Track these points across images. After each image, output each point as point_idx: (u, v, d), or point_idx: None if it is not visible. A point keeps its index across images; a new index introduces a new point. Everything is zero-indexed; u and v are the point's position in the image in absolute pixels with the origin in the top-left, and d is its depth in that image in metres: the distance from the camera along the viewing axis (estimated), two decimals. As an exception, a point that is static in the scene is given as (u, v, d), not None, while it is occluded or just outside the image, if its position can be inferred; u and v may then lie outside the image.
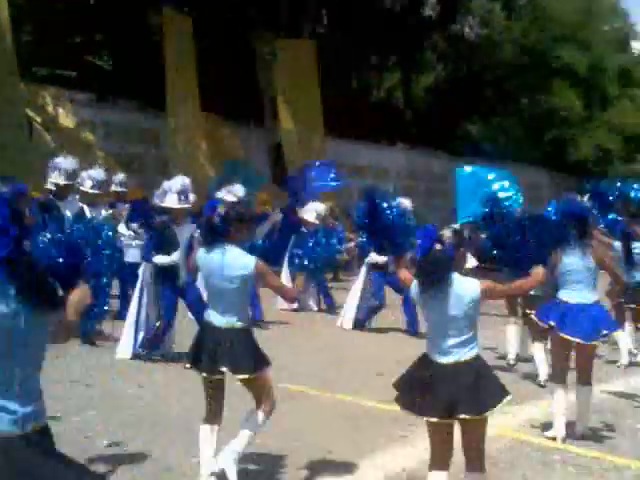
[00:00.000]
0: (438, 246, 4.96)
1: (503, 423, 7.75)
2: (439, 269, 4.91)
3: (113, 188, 13.10)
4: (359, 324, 12.82)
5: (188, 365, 5.60)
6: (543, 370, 9.34)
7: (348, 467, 6.26)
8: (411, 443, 6.86)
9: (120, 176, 13.61)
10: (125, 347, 9.50)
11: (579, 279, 7.26)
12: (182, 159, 20.47)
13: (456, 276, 4.97)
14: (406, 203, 11.40)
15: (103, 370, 8.90)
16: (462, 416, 4.84)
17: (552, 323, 7.21)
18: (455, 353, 4.90)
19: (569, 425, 7.33)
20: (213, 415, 5.61)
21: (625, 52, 39.94)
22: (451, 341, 4.91)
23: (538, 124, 33.10)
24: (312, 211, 14.24)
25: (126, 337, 9.53)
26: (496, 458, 6.67)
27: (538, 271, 5.52)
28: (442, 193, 28.65)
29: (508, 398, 5.01)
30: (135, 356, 9.45)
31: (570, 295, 7.28)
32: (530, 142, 33.33)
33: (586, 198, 10.10)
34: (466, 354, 4.92)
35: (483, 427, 4.99)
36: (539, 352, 9.46)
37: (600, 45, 35.29)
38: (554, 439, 7.24)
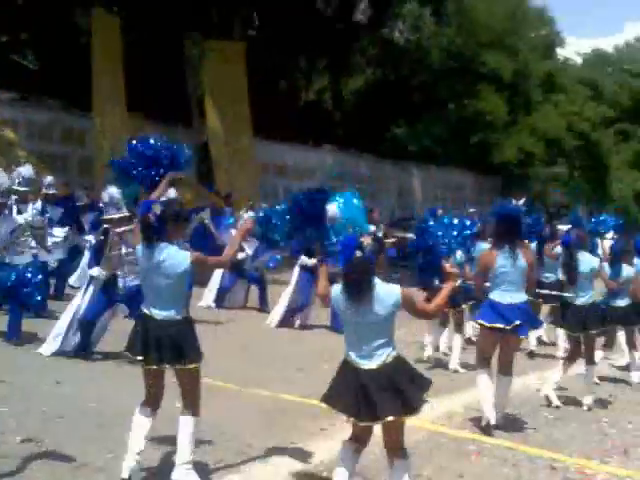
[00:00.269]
0: (358, 253, 5.05)
1: (421, 415, 7.87)
2: (361, 276, 5.00)
3: (43, 190, 13.27)
4: (285, 322, 12.96)
5: (140, 358, 5.58)
6: (456, 358, 10.10)
7: (267, 460, 6.29)
8: (331, 437, 6.92)
9: (49, 178, 13.82)
10: (50, 345, 9.38)
11: (511, 280, 7.42)
12: (108, 160, 20.20)
13: (377, 281, 5.05)
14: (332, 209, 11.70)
15: (19, 366, 8.76)
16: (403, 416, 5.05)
17: (517, 322, 7.34)
18: (378, 356, 5.00)
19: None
20: (152, 402, 5.67)
21: (550, 58, 40.70)
22: (374, 344, 5.00)
23: (464, 128, 33.53)
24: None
25: (54, 335, 9.41)
26: (413, 449, 6.77)
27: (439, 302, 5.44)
28: (369, 194, 28.86)
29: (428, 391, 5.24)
30: (54, 354, 9.33)
31: (502, 296, 7.44)
32: (456, 145, 33.74)
33: (521, 202, 10.30)
34: (389, 355, 5.02)
35: (404, 420, 5.16)
36: (458, 341, 10.03)
37: (526, 51, 35.91)
38: (487, 427, 7.38)
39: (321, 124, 31.27)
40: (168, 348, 5.52)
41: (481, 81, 33.93)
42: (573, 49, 58.91)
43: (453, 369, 10.15)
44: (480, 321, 7.56)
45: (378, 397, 4.92)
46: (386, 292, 5.04)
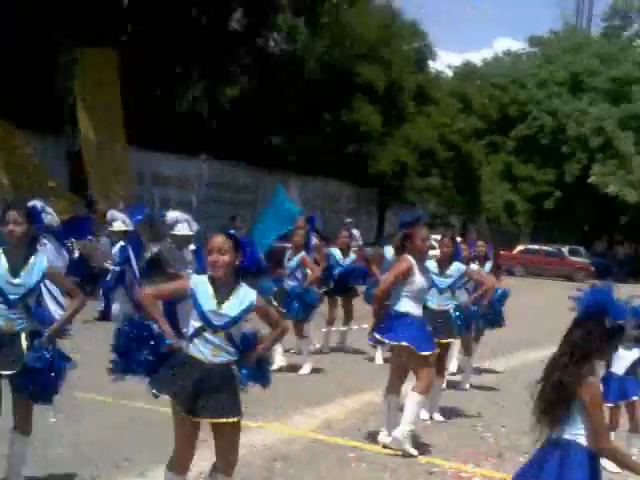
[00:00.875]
0: None
1: (301, 424, 7.90)
2: None
3: None
4: None
5: None
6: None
7: (145, 474, 6.18)
8: (210, 448, 6.82)
9: None
10: None
11: None
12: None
13: None
14: (176, 214, 11.77)
15: None
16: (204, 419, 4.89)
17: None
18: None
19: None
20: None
21: (422, 71, 41.55)
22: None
23: (340, 138, 33.86)
24: (119, 221, 14.10)
25: None
26: (292, 458, 6.78)
27: None
28: (248, 203, 28.88)
29: (237, 419, 4.96)
30: None
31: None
32: (332, 156, 34.04)
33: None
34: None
35: (235, 434, 5.01)
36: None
37: (399, 64, 36.50)
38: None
39: (198, 133, 31.02)
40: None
41: (356, 92, 34.30)
42: (445, 62, 60.46)
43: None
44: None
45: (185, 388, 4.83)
46: None
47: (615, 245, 52.72)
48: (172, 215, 12.01)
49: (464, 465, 6.96)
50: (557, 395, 3.94)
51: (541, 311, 20.97)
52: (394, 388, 7.41)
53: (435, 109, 38.78)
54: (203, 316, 4.78)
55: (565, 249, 39.88)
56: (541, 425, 4.01)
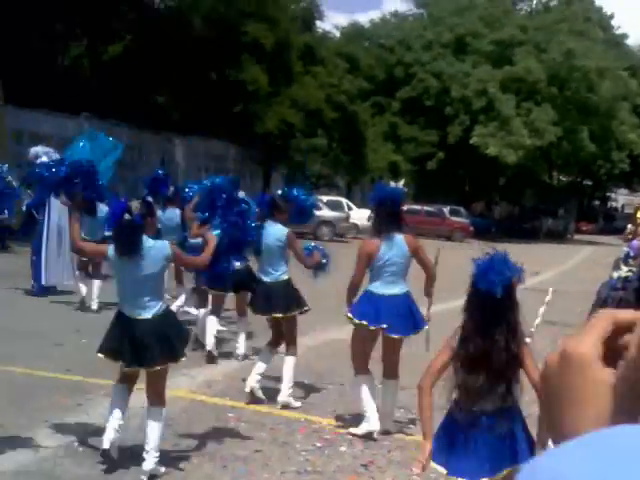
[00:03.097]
0: (127, 216, 5.54)
1: (181, 385, 7.93)
2: (130, 236, 5.51)
3: None
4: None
5: None
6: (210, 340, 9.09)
7: (22, 440, 6.10)
8: (86, 412, 6.84)
9: None
10: None
11: (394, 270, 6.93)
12: None
13: (147, 240, 5.61)
14: (37, 149, 12.21)
15: None
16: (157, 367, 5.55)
17: (384, 325, 6.73)
18: (152, 307, 5.56)
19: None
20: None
21: (310, 31, 41.44)
22: (147, 297, 5.54)
23: (226, 98, 33.50)
24: None
25: None
26: (172, 419, 6.80)
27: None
28: (131, 166, 28.38)
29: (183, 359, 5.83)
30: None
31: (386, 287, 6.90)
32: (218, 115, 33.69)
33: (401, 183, 8.29)
34: (160, 308, 5.62)
35: (167, 368, 5.71)
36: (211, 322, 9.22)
37: (286, 22, 36.24)
38: (370, 436, 6.75)
39: (79, 91, 30.18)
40: None
41: (243, 51, 33.97)
42: (332, 23, 60.39)
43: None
44: (350, 316, 6.80)
45: (148, 346, 5.47)
46: (156, 249, 5.62)
47: (493, 205, 54.27)
48: (34, 150, 12.69)
49: (342, 423, 7.13)
50: (509, 370, 4.00)
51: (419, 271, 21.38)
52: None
53: (322, 70, 38.75)
54: None
55: (446, 209, 40.73)
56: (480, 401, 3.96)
